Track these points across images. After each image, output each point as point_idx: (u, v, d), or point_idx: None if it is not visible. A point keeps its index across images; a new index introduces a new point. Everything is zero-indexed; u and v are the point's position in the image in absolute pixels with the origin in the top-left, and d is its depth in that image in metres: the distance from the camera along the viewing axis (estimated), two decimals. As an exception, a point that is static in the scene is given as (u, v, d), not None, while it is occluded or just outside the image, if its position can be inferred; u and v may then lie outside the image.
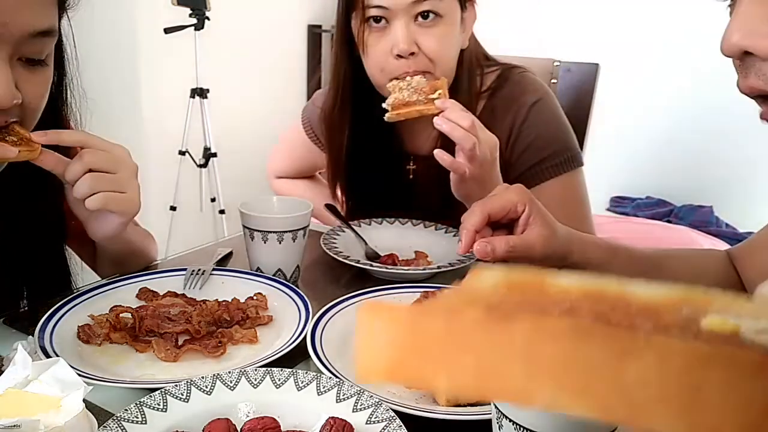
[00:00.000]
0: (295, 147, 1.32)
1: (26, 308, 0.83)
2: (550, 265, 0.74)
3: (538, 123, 1.06)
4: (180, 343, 0.70)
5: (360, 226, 1.10)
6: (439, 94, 0.93)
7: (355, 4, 0.99)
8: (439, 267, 0.93)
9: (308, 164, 1.33)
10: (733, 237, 2.52)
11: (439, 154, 0.85)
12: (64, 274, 0.90)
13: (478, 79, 1.09)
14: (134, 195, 0.78)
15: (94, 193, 0.73)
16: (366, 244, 1.04)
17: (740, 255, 0.82)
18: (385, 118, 0.96)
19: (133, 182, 0.78)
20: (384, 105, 0.97)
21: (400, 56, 0.96)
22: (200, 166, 2.71)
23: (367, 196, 1.19)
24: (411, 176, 1.16)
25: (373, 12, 0.96)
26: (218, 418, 0.54)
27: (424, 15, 0.95)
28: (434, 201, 1.09)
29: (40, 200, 0.82)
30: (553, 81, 1.47)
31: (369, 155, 1.13)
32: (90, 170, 0.73)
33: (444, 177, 1.00)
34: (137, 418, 0.52)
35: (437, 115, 0.87)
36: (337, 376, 0.61)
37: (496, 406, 0.47)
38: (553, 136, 1.06)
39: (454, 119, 0.84)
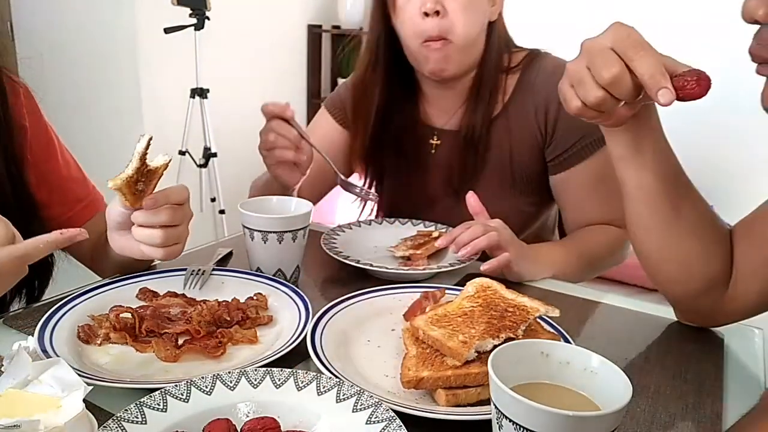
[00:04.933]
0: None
1: (24, 306, 0.83)
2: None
3: None
4: (180, 343, 0.70)
5: (360, 226, 1.10)
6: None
7: None
8: (439, 267, 0.93)
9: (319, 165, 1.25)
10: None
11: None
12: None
13: (506, 57, 1.11)
14: (183, 244, 0.83)
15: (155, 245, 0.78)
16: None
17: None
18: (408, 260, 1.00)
19: (186, 232, 0.82)
20: (397, 255, 1.00)
21: (426, 14, 1.00)
22: (200, 166, 2.71)
23: (389, 169, 1.21)
24: (433, 151, 1.17)
25: None
26: (218, 418, 0.54)
27: None
28: (455, 177, 1.12)
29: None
30: (553, 80, 1.47)
31: (396, 125, 1.15)
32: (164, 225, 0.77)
33: (465, 154, 1.10)
34: (137, 418, 0.52)
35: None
36: (337, 376, 0.61)
37: (496, 406, 0.47)
38: None
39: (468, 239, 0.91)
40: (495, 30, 1.08)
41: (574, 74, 0.65)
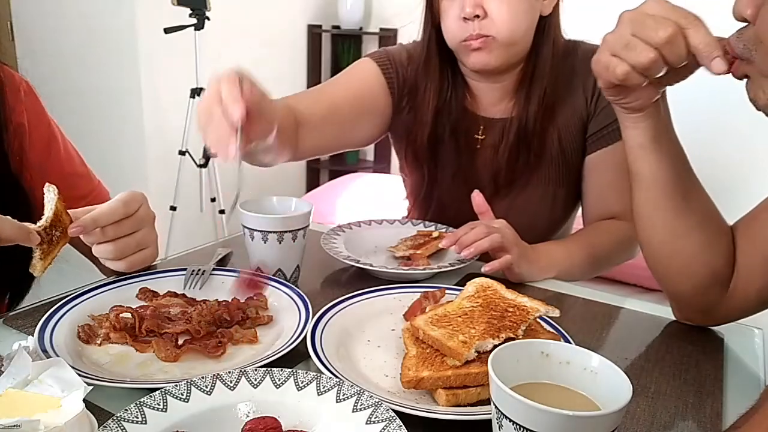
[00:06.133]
0: (342, 88, 1.16)
1: (15, 305, 0.83)
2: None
3: None
4: (180, 343, 0.70)
5: (360, 226, 1.10)
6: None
7: None
8: (439, 267, 0.93)
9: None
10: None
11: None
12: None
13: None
14: (154, 246, 0.85)
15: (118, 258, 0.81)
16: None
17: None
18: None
19: (152, 234, 0.84)
20: (397, 255, 1.00)
21: (466, 19, 0.99)
22: (200, 166, 2.71)
23: (437, 163, 1.17)
24: (478, 146, 1.15)
25: None
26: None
27: None
28: (502, 174, 1.11)
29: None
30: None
31: (447, 117, 1.14)
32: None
33: (516, 151, 1.08)
34: (137, 418, 0.52)
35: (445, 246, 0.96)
36: (337, 376, 0.61)
37: (496, 406, 0.47)
38: None
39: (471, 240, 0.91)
40: (549, 24, 1.06)
41: (617, 41, 0.65)
